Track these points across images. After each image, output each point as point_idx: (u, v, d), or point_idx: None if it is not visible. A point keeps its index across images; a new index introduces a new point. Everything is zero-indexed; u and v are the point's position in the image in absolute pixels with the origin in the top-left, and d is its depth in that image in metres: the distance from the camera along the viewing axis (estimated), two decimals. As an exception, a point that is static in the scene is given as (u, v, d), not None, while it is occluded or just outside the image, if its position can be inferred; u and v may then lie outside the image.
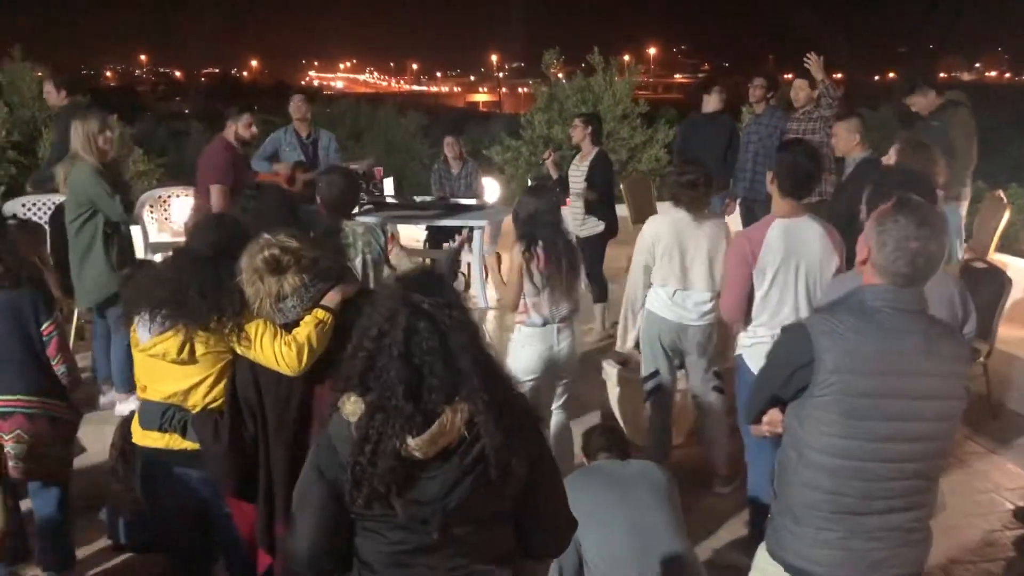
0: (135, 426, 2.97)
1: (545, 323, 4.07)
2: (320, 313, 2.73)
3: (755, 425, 2.61)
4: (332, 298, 2.78)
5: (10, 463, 3.30)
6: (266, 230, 2.81)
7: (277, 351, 2.66)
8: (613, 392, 5.06)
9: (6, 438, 3.28)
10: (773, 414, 2.48)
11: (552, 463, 2.08)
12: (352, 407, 1.88)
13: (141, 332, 2.86)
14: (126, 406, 5.03)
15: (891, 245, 2.21)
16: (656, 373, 4.45)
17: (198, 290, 2.73)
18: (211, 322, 2.72)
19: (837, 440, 2.24)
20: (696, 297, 4.26)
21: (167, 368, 2.83)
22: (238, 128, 6.13)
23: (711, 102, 7.39)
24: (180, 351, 2.77)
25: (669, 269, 4.23)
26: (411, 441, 1.82)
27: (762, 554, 2.48)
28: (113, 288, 4.86)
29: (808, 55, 6.50)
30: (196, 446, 2.82)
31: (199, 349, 2.78)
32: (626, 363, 5.12)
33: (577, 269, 4.17)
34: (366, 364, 1.91)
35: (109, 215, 4.82)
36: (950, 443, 2.40)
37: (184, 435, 2.85)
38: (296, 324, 2.71)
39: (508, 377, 2.03)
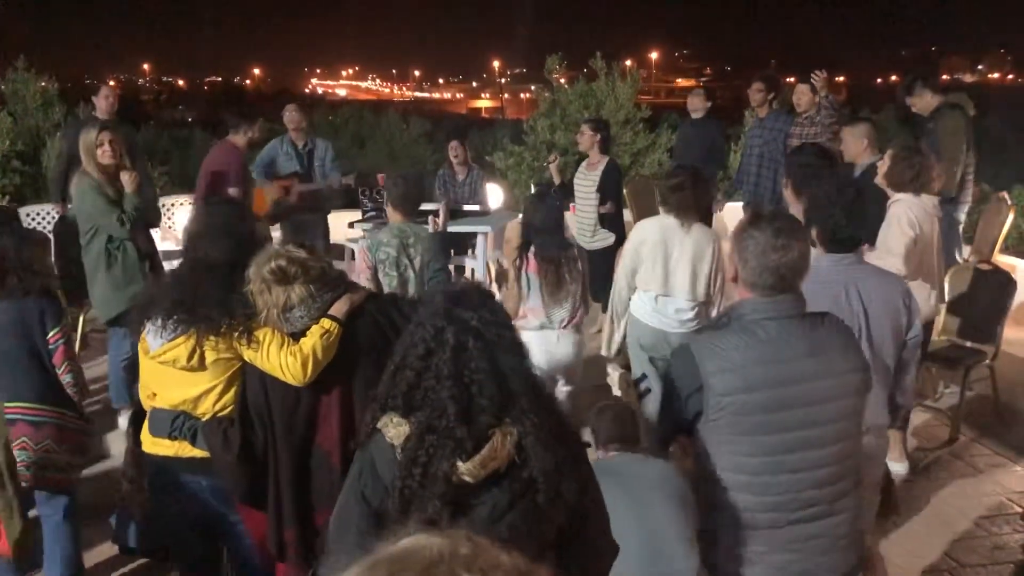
0: (145, 434, 2.96)
1: (542, 327, 4.11)
2: (326, 323, 2.73)
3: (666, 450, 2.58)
4: (339, 308, 2.77)
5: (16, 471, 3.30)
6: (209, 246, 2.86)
7: (283, 361, 2.66)
8: (618, 397, 5.06)
9: (12, 445, 3.28)
10: (683, 441, 2.46)
11: (597, 489, 2.02)
12: (396, 430, 1.82)
13: (151, 339, 2.85)
14: (126, 418, 5.02)
15: (753, 261, 2.24)
16: (644, 377, 4.44)
17: (211, 295, 2.74)
18: (222, 326, 2.71)
19: (741, 459, 2.24)
20: (676, 304, 4.22)
21: (177, 375, 2.83)
22: (254, 132, 6.20)
23: (691, 106, 7.79)
24: (190, 358, 2.77)
25: (652, 274, 4.21)
26: (461, 465, 1.76)
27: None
28: (119, 307, 4.76)
29: (815, 73, 6.51)
30: (206, 454, 2.81)
31: (209, 356, 2.78)
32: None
33: (574, 274, 4.22)
34: (412, 384, 1.84)
35: (108, 231, 4.79)
36: (859, 441, 2.38)
37: (194, 443, 2.83)
38: (303, 334, 2.72)
39: (555, 400, 1.96)
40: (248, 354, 2.73)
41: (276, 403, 2.75)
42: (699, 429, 2.30)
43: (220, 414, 2.84)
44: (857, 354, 2.36)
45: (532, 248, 4.19)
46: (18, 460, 3.28)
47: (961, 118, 6.15)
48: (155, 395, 2.93)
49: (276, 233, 7.17)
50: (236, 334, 2.71)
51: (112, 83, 7.40)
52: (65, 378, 3.39)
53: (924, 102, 6.23)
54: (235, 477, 2.78)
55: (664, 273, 4.19)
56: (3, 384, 3.35)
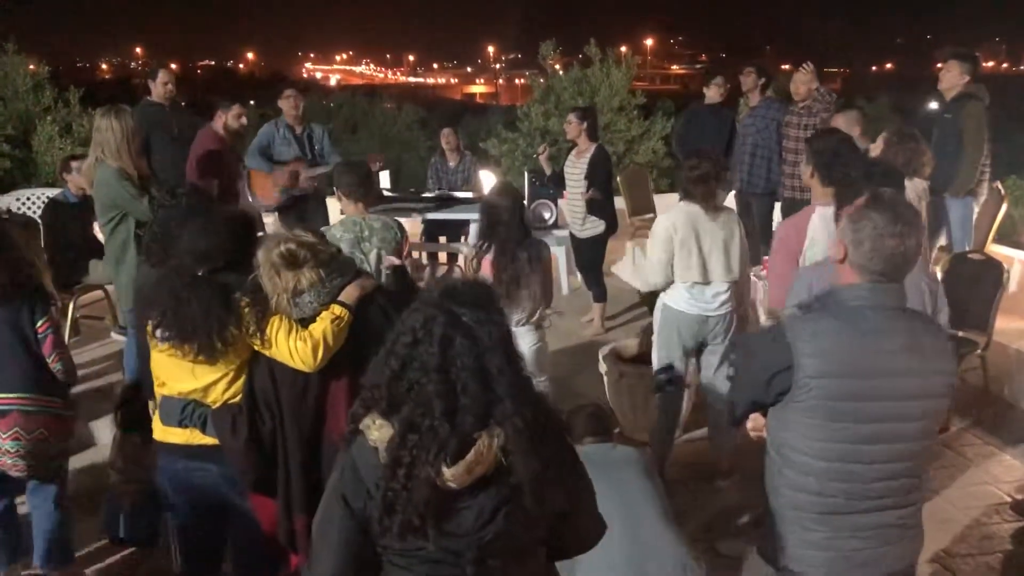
0: (155, 422, 2.95)
1: None
2: (337, 309, 2.71)
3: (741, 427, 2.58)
4: (349, 294, 2.75)
5: (9, 461, 3.29)
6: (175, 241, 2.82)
7: (292, 347, 2.65)
8: (610, 386, 5.05)
9: (4, 436, 3.27)
10: (756, 418, 2.44)
11: (589, 485, 1.98)
12: (379, 432, 1.76)
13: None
14: None
15: (867, 244, 2.18)
16: (669, 368, 4.38)
17: (202, 309, 2.68)
18: (217, 346, 2.67)
19: (820, 443, 2.21)
20: (715, 289, 4.21)
21: (186, 366, 2.79)
22: (228, 119, 6.01)
23: (712, 94, 7.52)
24: (197, 353, 2.74)
25: (688, 263, 4.17)
26: (446, 471, 1.70)
27: (754, 556, 2.46)
28: None
29: (803, 67, 6.52)
30: (216, 441, 2.80)
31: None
32: (622, 356, 5.11)
33: (538, 271, 4.17)
34: (396, 373, 1.78)
35: (137, 216, 4.74)
36: (934, 440, 2.37)
37: (204, 430, 2.82)
38: (313, 319, 2.70)
39: (545, 401, 1.90)
40: (258, 347, 2.72)
41: (284, 391, 2.74)
42: (779, 409, 2.26)
43: (231, 401, 2.82)
44: (950, 357, 2.32)
45: (493, 248, 4.08)
46: (12, 450, 3.27)
47: (983, 110, 6.09)
48: (164, 383, 2.91)
49: (269, 219, 7.14)
50: (248, 332, 2.67)
51: (174, 66, 7.03)
52: (56, 366, 3.37)
53: (951, 76, 6.11)
54: (244, 464, 2.77)
55: (701, 262, 4.15)
56: None
